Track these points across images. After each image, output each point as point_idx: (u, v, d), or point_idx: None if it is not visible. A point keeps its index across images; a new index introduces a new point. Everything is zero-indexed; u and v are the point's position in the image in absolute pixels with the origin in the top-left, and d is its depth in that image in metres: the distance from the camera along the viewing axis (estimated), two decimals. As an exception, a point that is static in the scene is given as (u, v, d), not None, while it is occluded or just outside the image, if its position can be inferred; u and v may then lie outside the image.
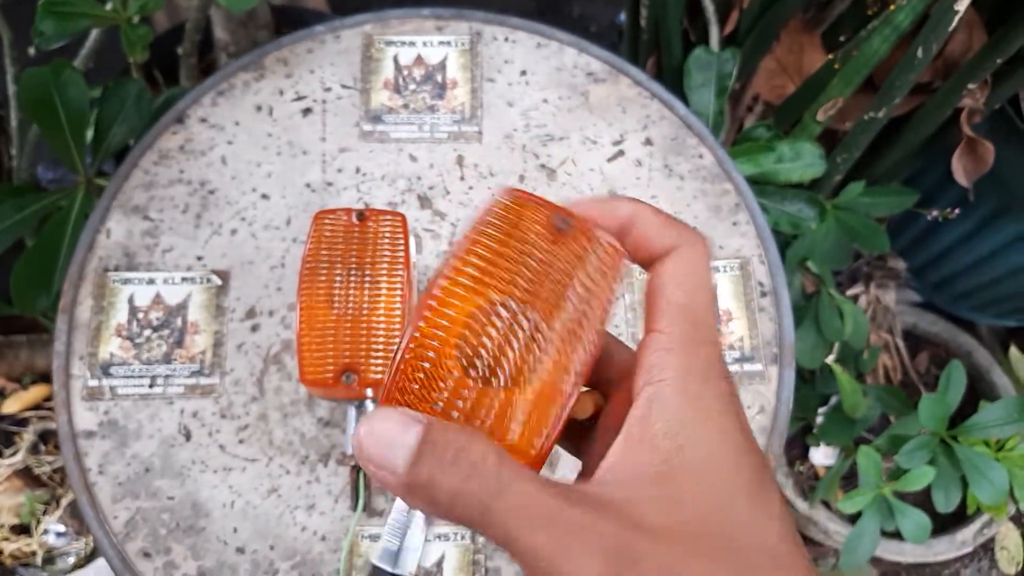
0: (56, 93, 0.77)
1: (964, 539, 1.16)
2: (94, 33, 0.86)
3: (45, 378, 1.16)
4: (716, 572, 0.22)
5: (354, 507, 0.60)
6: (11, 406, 1.14)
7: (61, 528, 1.11)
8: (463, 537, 0.60)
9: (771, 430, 0.63)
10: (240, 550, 0.59)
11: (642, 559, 0.21)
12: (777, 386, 0.64)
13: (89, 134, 0.80)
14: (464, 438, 0.23)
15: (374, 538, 0.60)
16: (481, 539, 0.60)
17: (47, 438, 1.15)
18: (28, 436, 1.13)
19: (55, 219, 0.78)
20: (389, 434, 0.23)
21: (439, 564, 0.60)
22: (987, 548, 1.26)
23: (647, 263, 0.28)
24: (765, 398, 0.64)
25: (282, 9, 1.11)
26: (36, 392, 1.16)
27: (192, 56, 0.91)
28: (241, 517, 0.60)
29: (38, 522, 1.10)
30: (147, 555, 0.58)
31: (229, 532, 0.59)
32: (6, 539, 1.09)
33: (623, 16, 1.09)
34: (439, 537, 0.60)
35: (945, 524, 1.19)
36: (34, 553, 1.09)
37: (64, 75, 0.77)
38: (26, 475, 1.13)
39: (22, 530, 1.10)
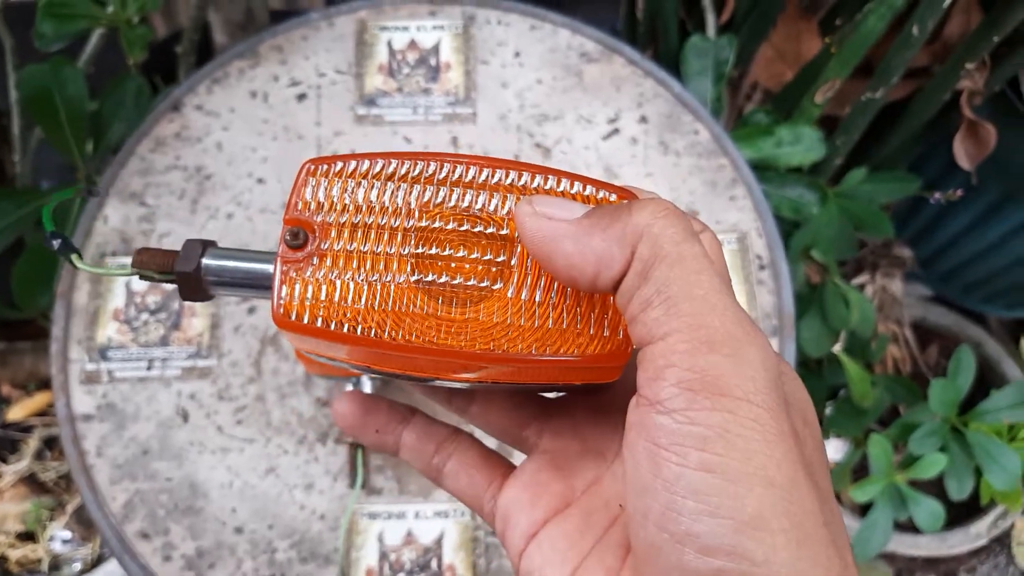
0: (56, 90, 0.77)
1: (979, 532, 1.15)
2: (94, 37, 0.87)
3: (50, 385, 1.16)
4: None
5: (352, 485, 0.59)
6: (16, 413, 1.14)
7: (67, 535, 1.10)
8: (463, 514, 0.59)
9: (773, 402, 0.62)
10: (239, 530, 0.58)
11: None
12: (778, 358, 0.63)
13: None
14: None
15: (373, 516, 0.59)
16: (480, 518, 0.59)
17: (52, 444, 1.15)
18: (33, 443, 1.13)
19: (55, 216, 0.78)
20: (557, 200, 0.23)
21: (439, 541, 0.59)
22: (1003, 544, 1.24)
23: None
24: (767, 370, 0.63)
25: (281, 12, 1.12)
26: (41, 399, 1.16)
27: (191, 55, 0.91)
28: (239, 497, 0.59)
29: (44, 529, 1.10)
30: (146, 536, 0.58)
31: (227, 512, 0.59)
32: (12, 546, 1.09)
33: (620, 23, 1.10)
34: (438, 514, 0.59)
35: (959, 518, 1.17)
36: (40, 560, 1.08)
37: (63, 72, 0.77)
38: (31, 482, 1.12)
39: (28, 537, 1.10)
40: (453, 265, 0.25)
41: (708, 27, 0.92)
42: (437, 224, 0.25)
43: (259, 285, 0.27)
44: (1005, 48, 0.88)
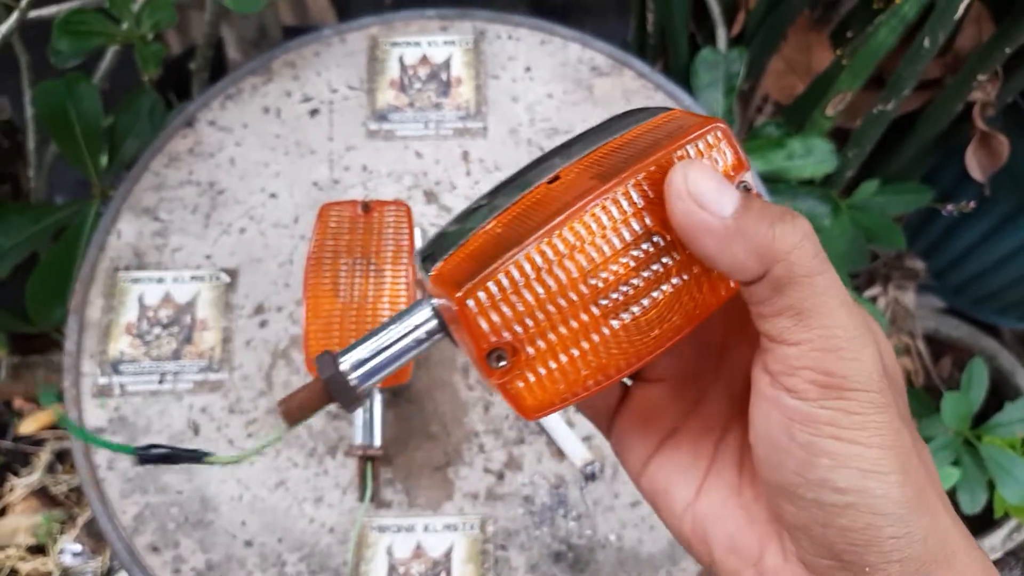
0: (71, 106, 0.78)
1: (992, 545, 1.13)
2: (109, 54, 0.88)
3: (62, 398, 1.16)
4: None
5: (362, 498, 0.59)
6: (28, 426, 1.15)
7: (77, 548, 1.11)
8: (472, 527, 0.59)
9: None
10: (248, 543, 0.58)
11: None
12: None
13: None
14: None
15: (382, 529, 0.59)
16: (490, 529, 0.59)
17: (63, 458, 1.15)
18: (45, 456, 1.14)
19: (70, 231, 0.79)
20: (712, 182, 0.25)
21: (448, 555, 0.59)
22: (1018, 557, 1.22)
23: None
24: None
25: (293, 28, 1.13)
26: (52, 412, 1.16)
27: (204, 71, 0.92)
28: (249, 510, 0.59)
29: (54, 542, 1.10)
30: (156, 549, 0.58)
31: (237, 525, 0.59)
32: (23, 559, 1.09)
33: (630, 35, 1.10)
34: (447, 527, 0.59)
35: (973, 532, 1.16)
36: (50, 573, 1.09)
37: (79, 88, 0.78)
38: (43, 495, 1.13)
39: (38, 550, 1.10)
40: (637, 291, 0.27)
41: (718, 40, 0.92)
42: (604, 274, 0.26)
43: (402, 355, 0.28)
44: (1017, 59, 0.87)
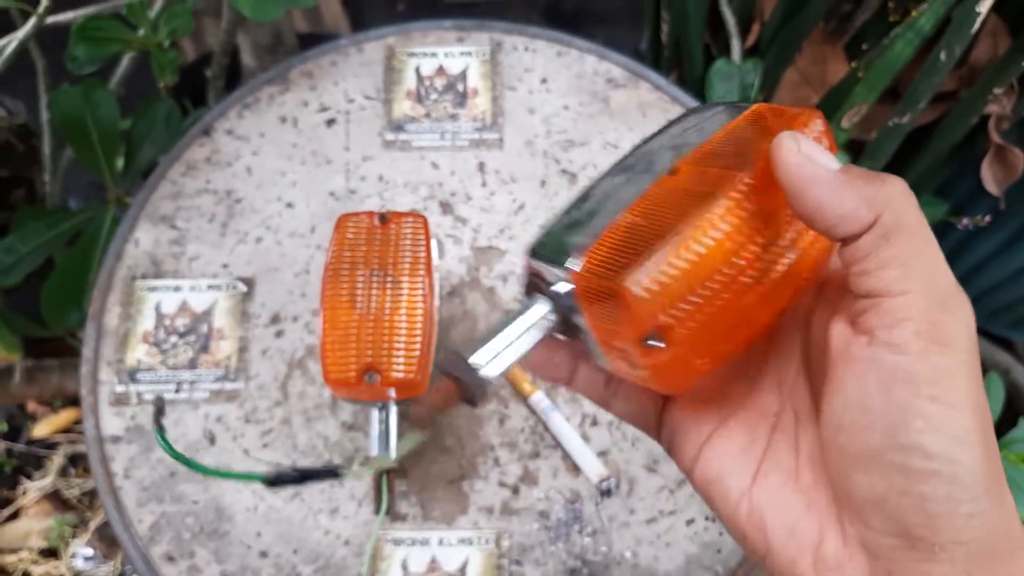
0: (88, 111, 0.78)
1: (1008, 561, 1.13)
2: (125, 60, 0.88)
3: (75, 402, 1.17)
4: None
5: (377, 511, 0.59)
6: (42, 430, 1.15)
7: (89, 552, 1.11)
8: (487, 542, 0.59)
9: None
10: (263, 554, 0.59)
11: None
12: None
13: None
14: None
15: (397, 542, 0.59)
16: (505, 544, 0.59)
17: (76, 461, 1.16)
18: (58, 459, 1.14)
19: (86, 236, 0.79)
20: (818, 146, 0.27)
21: (463, 569, 0.59)
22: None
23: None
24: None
25: (307, 35, 1.13)
26: (66, 416, 1.17)
27: (220, 79, 0.93)
28: (264, 521, 0.59)
29: (66, 545, 1.11)
30: (171, 559, 0.58)
31: (252, 536, 0.59)
32: (35, 562, 1.10)
33: (644, 43, 1.10)
34: (462, 541, 0.59)
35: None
36: (62, 576, 1.09)
37: (96, 94, 0.79)
38: (55, 498, 1.13)
39: (50, 553, 1.11)
40: (765, 268, 0.29)
41: (733, 51, 0.92)
42: (744, 254, 0.28)
43: (523, 347, 0.30)
44: (1033, 73, 0.87)
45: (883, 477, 0.26)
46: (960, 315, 0.26)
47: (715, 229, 0.27)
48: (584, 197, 0.31)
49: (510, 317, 0.30)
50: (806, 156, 0.27)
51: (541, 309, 0.30)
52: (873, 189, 0.26)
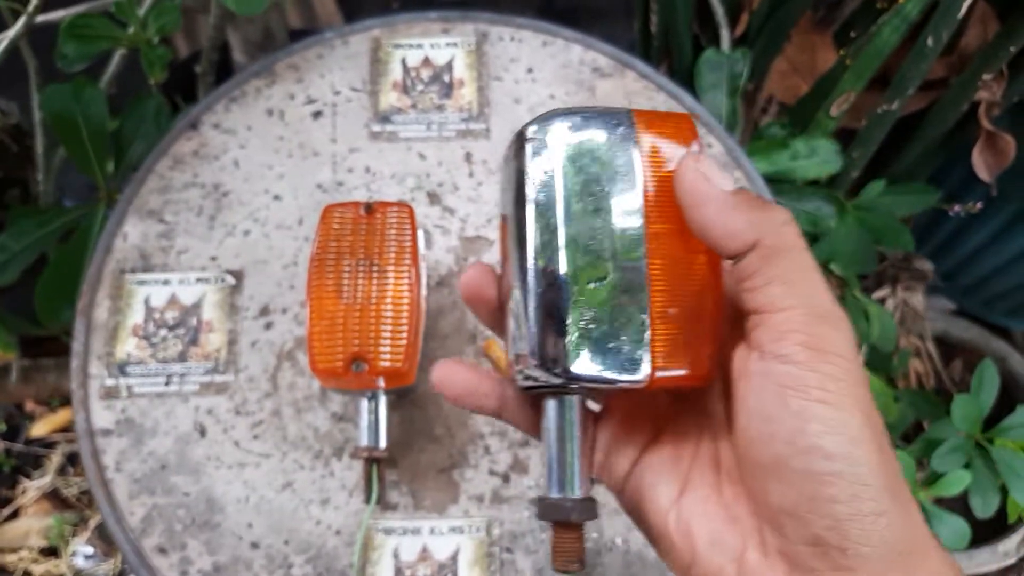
0: (78, 109, 0.79)
1: (1007, 550, 1.12)
2: (116, 58, 0.88)
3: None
4: None
5: (367, 500, 0.59)
6: (39, 429, 1.16)
7: (89, 550, 1.11)
8: (478, 530, 0.59)
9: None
10: (255, 545, 0.59)
11: None
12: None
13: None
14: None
15: (388, 531, 0.59)
16: (496, 532, 0.59)
17: (75, 460, 1.16)
18: (56, 458, 1.15)
19: (78, 233, 0.79)
20: (716, 167, 0.29)
21: (454, 557, 0.59)
22: (1032, 560, 1.21)
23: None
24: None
25: (299, 32, 1.13)
26: (64, 415, 1.17)
27: (209, 75, 0.93)
28: (255, 512, 0.60)
29: (66, 544, 1.11)
30: (163, 551, 0.58)
31: (244, 527, 0.59)
32: (35, 561, 1.10)
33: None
34: (453, 530, 0.59)
35: (987, 537, 1.15)
36: (63, 575, 1.09)
37: (85, 92, 0.79)
38: (54, 497, 1.14)
39: (51, 552, 1.11)
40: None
41: (722, 41, 0.92)
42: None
43: (577, 449, 0.32)
44: (1023, 58, 0.87)
45: (792, 484, 0.27)
46: (841, 328, 0.28)
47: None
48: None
49: (551, 435, 0.31)
50: (702, 176, 0.29)
51: (573, 406, 0.31)
52: (758, 214, 0.28)
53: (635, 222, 0.30)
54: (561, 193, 0.30)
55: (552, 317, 0.30)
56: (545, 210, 0.30)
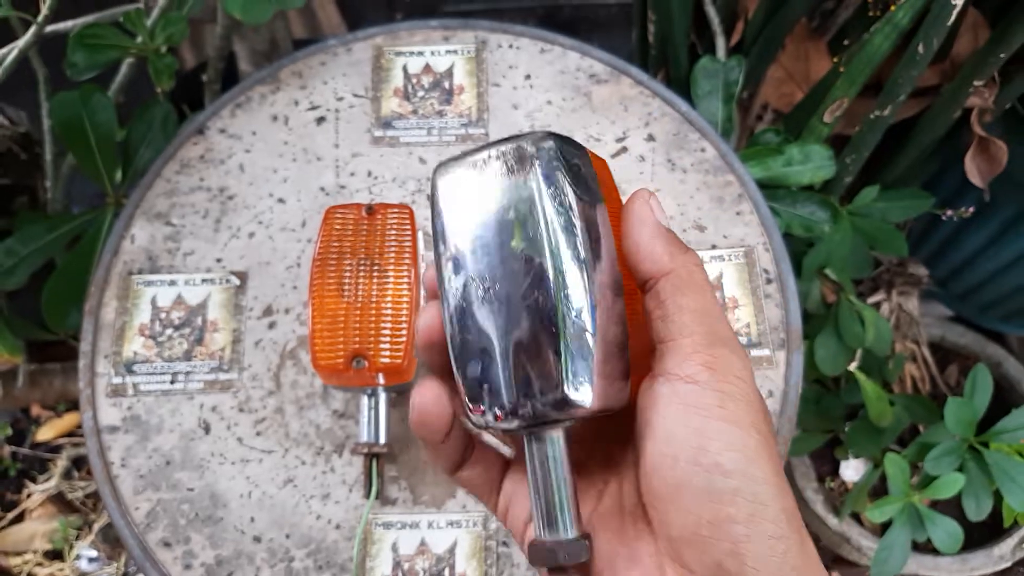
0: (86, 116, 0.80)
1: (1002, 553, 1.13)
2: (124, 68, 0.90)
3: (79, 405, 1.18)
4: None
5: (367, 495, 0.60)
6: (45, 433, 1.17)
7: (93, 553, 1.12)
8: (475, 524, 0.61)
9: (780, 414, 0.63)
10: (257, 539, 0.60)
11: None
12: (785, 370, 0.64)
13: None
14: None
15: (387, 525, 0.61)
16: (493, 525, 0.60)
17: (80, 464, 1.17)
18: (62, 462, 1.16)
19: (85, 238, 0.81)
20: (662, 210, 0.32)
21: (451, 550, 0.60)
22: (1029, 564, 1.22)
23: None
24: (773, 383, 0.64)
25: (304, 41, 1.15)
26: (70, 419, 1.18)
27: (216, 83, 0.95)
28: (258, 507, 0.61)
29: (71, 547, 1.12)
30: (167, 544, 0.60)
31: (246, 522, 0.60)
32: (39, 564, 1.11)
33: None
34: (451, 524, 0.61)
35: (982, 541, 1.16)
36: (67, 578, 1.10)
37: (93, 99, 0.81)
38: (59, 501, 1.15)
39: (55, 555, 1.12)
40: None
41: (718, 49, 0.94)
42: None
43: (565, 484, 0.31)
44: (1014, 65, 0.88)
45: (692, 508, 0.28)
46: (739, 353, 0.30)
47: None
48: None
49: (537, 477, 0.31)
50: (650, 206, 0.32)
51: (557, 441, 0.31)
52: (678, 249, 0.31)
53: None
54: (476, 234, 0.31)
55: (541, 349, 0.29)
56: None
